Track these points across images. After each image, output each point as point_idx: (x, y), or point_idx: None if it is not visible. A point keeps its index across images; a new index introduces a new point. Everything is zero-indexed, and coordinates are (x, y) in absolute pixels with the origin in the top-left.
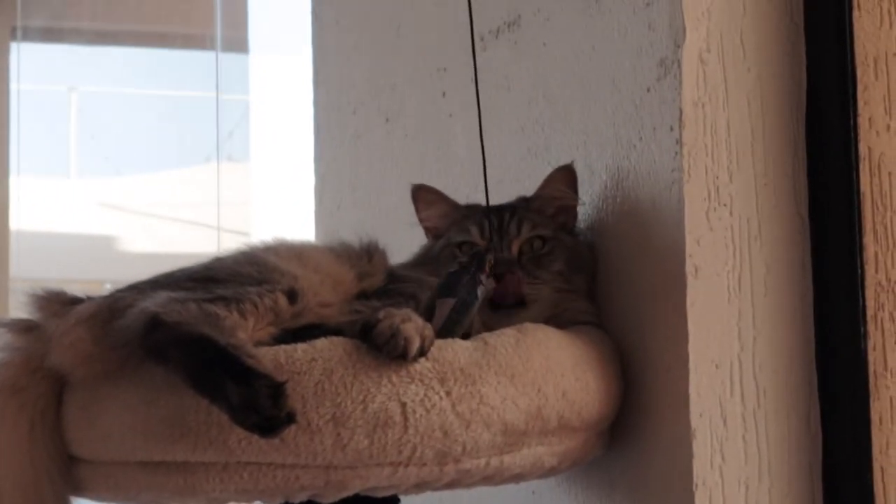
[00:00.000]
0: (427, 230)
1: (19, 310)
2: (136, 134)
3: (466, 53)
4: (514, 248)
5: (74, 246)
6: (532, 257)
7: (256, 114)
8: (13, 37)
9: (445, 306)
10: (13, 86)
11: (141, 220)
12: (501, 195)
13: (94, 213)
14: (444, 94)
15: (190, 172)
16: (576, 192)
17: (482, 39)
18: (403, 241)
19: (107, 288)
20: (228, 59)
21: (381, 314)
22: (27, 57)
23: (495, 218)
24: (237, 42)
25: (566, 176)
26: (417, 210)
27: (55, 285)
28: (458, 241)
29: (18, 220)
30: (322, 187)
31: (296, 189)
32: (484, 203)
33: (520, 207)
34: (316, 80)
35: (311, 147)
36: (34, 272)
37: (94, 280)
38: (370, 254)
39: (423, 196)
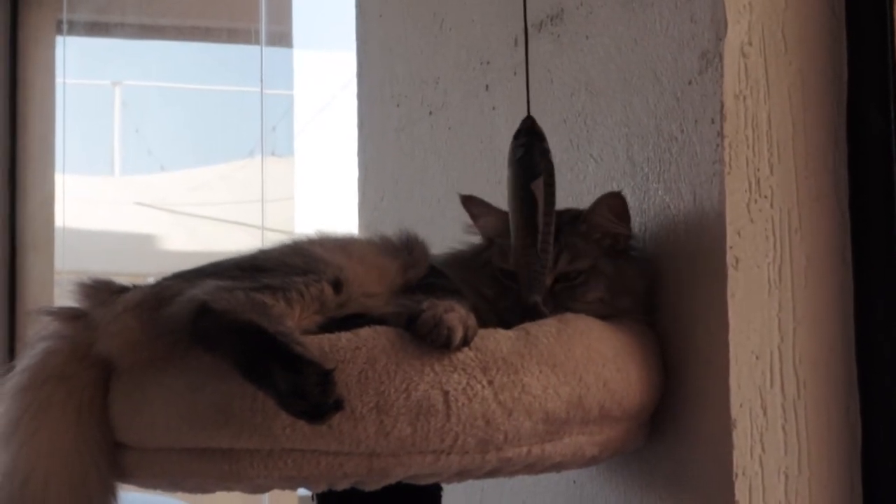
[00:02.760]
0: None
1: (65, 299)
2: (180, 129)
3: (509, 47)
4: (549, 279)
5: (117, 243)
6: (566, 287)
7: (300, 108)
8: (59, 31)
9: (539, 188)
10: (59, 80)
11: (183, 220)
12: None
13: (137, 211)
14: (487, 87)
15: (233, 168)
16: (626, 220)
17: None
18: (446, 232)
19: (150, 280)
20: (272, 54)
21: (425, 304)
22: (72, 51)
23: None
24: (281, 37)
25: (615, 204)
26: (471, 218)
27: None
28: (500, 266)
29: (64, 217)
30: (365, 180)
31: (339, 184)
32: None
33: (565, 231)
34: (360, 74)
35: (355, 141)
36: (79, 265)
37: (137, 274)
38: (410, 246)
39: (471, 208)
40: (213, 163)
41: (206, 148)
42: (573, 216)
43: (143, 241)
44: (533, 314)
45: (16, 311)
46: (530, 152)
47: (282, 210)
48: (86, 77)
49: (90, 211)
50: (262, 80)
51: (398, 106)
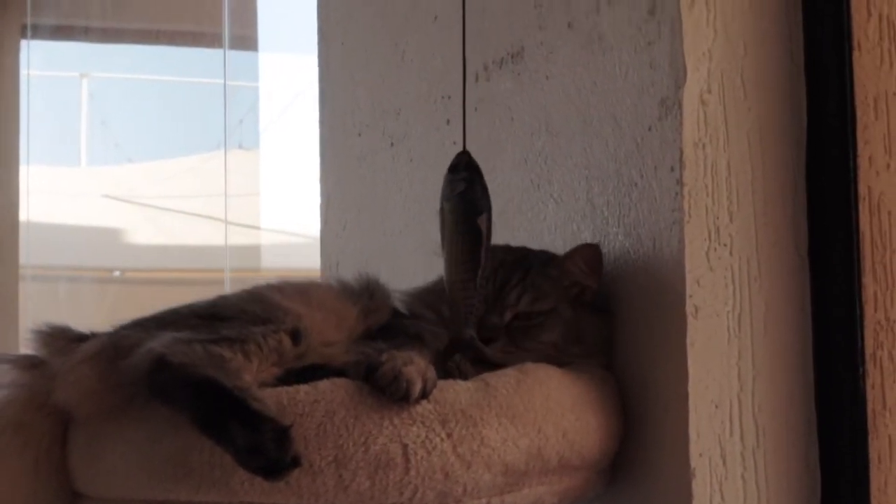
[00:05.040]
0: None
1: (29, 300)
2: (147, 121)
3: (470, 82)
4: (508, 315)
5: (82, 237)
6: (521, 327)
7: (266, 105)
8: (23, 35)
9: (483, 222)
10: (24, 72)
11: (150, 213)
12: (505, 227)
13: (103, 205)
14: (448, 121)
15: (200, 160)
16: (598, 273)
17: (486, 69)
18: (407, 264)
19: (115, 276)
20: (237, 56)
21: (384, 357)
22: (38, 52)
23: (502, 276)
24: (247, 41)
25: (589, 256)
26: None
27: (64, 273)
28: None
29: (28, 211)
30: (327, 207)
31: (304, 181)
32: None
33: (534, 271)
34: (322, 99)
35: (318, 165)
36: (43, 260)
37: (103, 268)
38: (371, 291)
39: None
40: (180, 155)
41: (172, 140)
42: (546, 259)
43: (110, 235)
44: (467, 349)
45: None
46: (472, 187)
47: (247, 204)
48: (53, 69)
49: (56, 204)
50: (224, 78)
51: (360, 135)
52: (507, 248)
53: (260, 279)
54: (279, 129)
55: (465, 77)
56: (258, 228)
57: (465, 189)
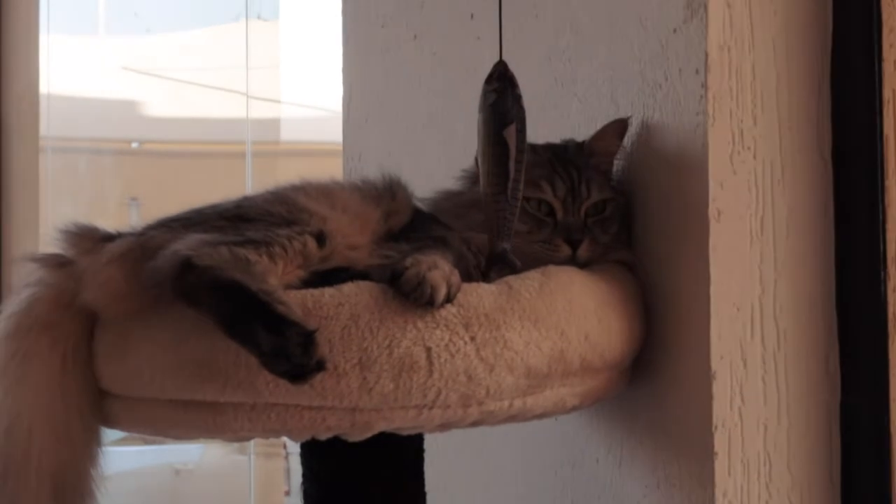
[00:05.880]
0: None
1: (49, 171)
2: None
3: None
4: (582, 212)
5: (102, 109)
6: (597, 221)
7: None
8: None
9: (511, 134)
10: None
11: (169, 85)
12: (528, 125)
13: (122, 77)
14: (472, 15)
15: (219, 31)
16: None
17: None
18: (430, 158)
19: (134, 147)
20: None
21: (408, 262)
22: None
23: (565, 174)
24: None
25: (621, 129)
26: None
27: (83, 145)
28: (531, 196)
29: (48, 83)
30: (350, 99)
31: (325, 52)
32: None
33: (582, 164)
34: None
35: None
36: (63, 132)
37: (122, 139)
38: (393, 192)
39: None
40: (200, 25)
41: (192, 9)
42: (576, 147)
43: (129, 107)
44: (503, 262)
45: (1, 183)
46: (503, 98)
47: (266, 77)
48: None
49: (75, 75)
50: None
51: (383, 27)
52: (545, 147)
53: (279, 152)
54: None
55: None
56: (278, 102)
57: (496, 100)
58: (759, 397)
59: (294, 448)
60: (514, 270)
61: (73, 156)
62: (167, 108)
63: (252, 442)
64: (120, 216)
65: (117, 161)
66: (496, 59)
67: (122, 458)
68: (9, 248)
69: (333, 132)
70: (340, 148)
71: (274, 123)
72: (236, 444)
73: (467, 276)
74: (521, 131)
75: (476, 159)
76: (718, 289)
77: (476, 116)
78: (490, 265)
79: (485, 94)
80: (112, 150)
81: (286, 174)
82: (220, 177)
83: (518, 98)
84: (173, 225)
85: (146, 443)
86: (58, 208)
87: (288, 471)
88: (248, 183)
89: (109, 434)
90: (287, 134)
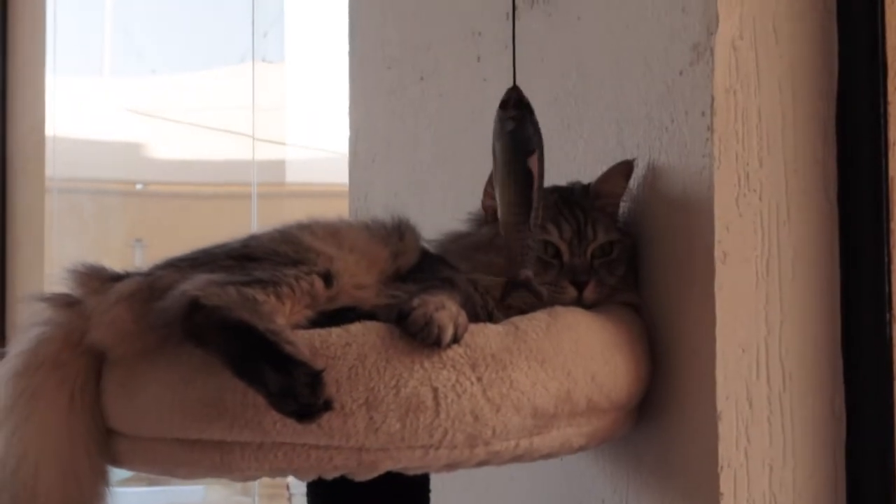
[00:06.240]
0: (486, 209)
1: (54, 213)
2: (171, 31)
3: (501, 20)
4: (588, 253)
5: (106, 150)
6: (603, 262)
7: (292, 13)
8: None
9: (534, 162)
10: None
11: (173, 127)
12: None
13: (126, 119)
14: (478, 58)
15: (224, 72)
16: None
17: (516, 8)
18: (437, 199)
19: (138, 188)
20: None
21: (415, 302)
22: None
23: (570, 216)
24: None
25: (627, 171)
26: (487, 198)
27: (88, 186)
28: (538, 238)
29: (54, 125)
30: (356, 139)
31: (331, 93)
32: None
33: (588, 206)
34: (352, 31)
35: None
36: (68, 174)
37: (127, 181)
38: (402, 232)
39: (487, 188)
40: (204, 67)
41: (197, 51)
42: (581, 189)
43: (133, 150)
44: (528, 290)
45: (6, 223)
46: (523, 125)
47: (272, 119)
48: None
49: (80, 117)
50: None
51: (389, 69)
52: (551, 190)
53: (284, 193)
54: (305, 41)
55: (514, 11)
56: (283, 143)
57: (516, 128)
58: (765, 438)
59: (298, 490)
60: (540, 298)
61: (78, 197)
62: (172, 150)
63: (256, 484)
64: (124, 257)
65: (122, 202)
66: (515, 69)
67: (125, 499)
68: (14, 289)
69: (339, 173)
70: (346, 189)
71: (279, 165)
72: (239, 486)
73: (474, 317)
74: (541, 158)
75: (488, 187)
76: (724, 330)
77: (490, 144)
78: (508, 293)
79: (502, 120)
80: (117, 191)
81: (292, 216)
82: (226, 218)
83: (536, 125)
84: (181, 265)
85: (149, 483)
86: (63, 249)
87: None
88: (253, 225)
89: (113, 473)
90: (292, 175)
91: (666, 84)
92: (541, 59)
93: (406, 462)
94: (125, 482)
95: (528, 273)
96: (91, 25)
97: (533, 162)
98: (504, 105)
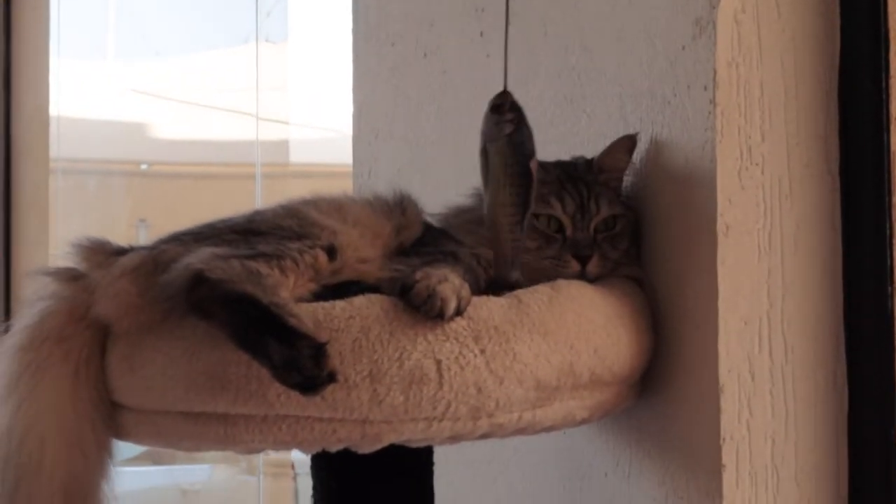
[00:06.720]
0: None
1: (59, 193)
2: (174, 12)
3: None
4: (591, 228)
5: (111, 131)
6: (606, 237)
7: None
8: None
9: (535, 167)
10: None
11: (178, 108)
12: (537, 141)
13: (131, 99)
14: (481, 33)
15: (228, 53)
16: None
17: None
18: (440, 175)
19: (143, 169)
20: None
21: (418, 275)
22: None
23: (574, 190)
24: None
25: (630, 145)
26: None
27: (93, 167)
28: (541, 213)
29: (58, 105)
30: (359, 116)
31: (334, 73)
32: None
33: (591, 181)
34: (355, 8)
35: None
36: (73, 154)
37: (131, 161)
38: (404, 206)
39: None
40: (208, 48)
41: (200, 33)
42: (585, 164)
43: (137, 130)
44: (510, 291)
45: (11, 204)
46: (520, 129)
47: (275, 98)
48: None
49: (84, 98)
50: None
51: (393, 45)
52: (554, 164)
53: (288, 173)
54: (309, 21)
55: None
56: (287, 123)
57: (513, 131)
58: (767, 410)
59: (302, 469)
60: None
61: (83, 178)
62: (176, 131)
63: (261, 463)
64: (129, 238)
65: (126, 183)
66: (507, 74)
67: (130, 477)
68: (18, 269)
69: (342, 153)
70: (349, 169)
71: (283, 145)
72: (245, 465)
73: (477, 290)
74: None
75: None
76: (726, 303)
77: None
78: (496, 292)
79: (496, 123)
80: (121, 171)
81: (295, 195)
82: (230, 198)
83: (530, 130)
84: (185, 239)
85: (154, 463)
86: (67, 230)
87: (296, 491)
88: (257, 204)
89: (119, 452)
90: (296, 155)
91: (668, 58)
92: (544, 34)
93: (409, 434)
94: (128, 462)
95: (518, 276)
96: (95, 6)
97: (533, 165)
98: (498, 108)
